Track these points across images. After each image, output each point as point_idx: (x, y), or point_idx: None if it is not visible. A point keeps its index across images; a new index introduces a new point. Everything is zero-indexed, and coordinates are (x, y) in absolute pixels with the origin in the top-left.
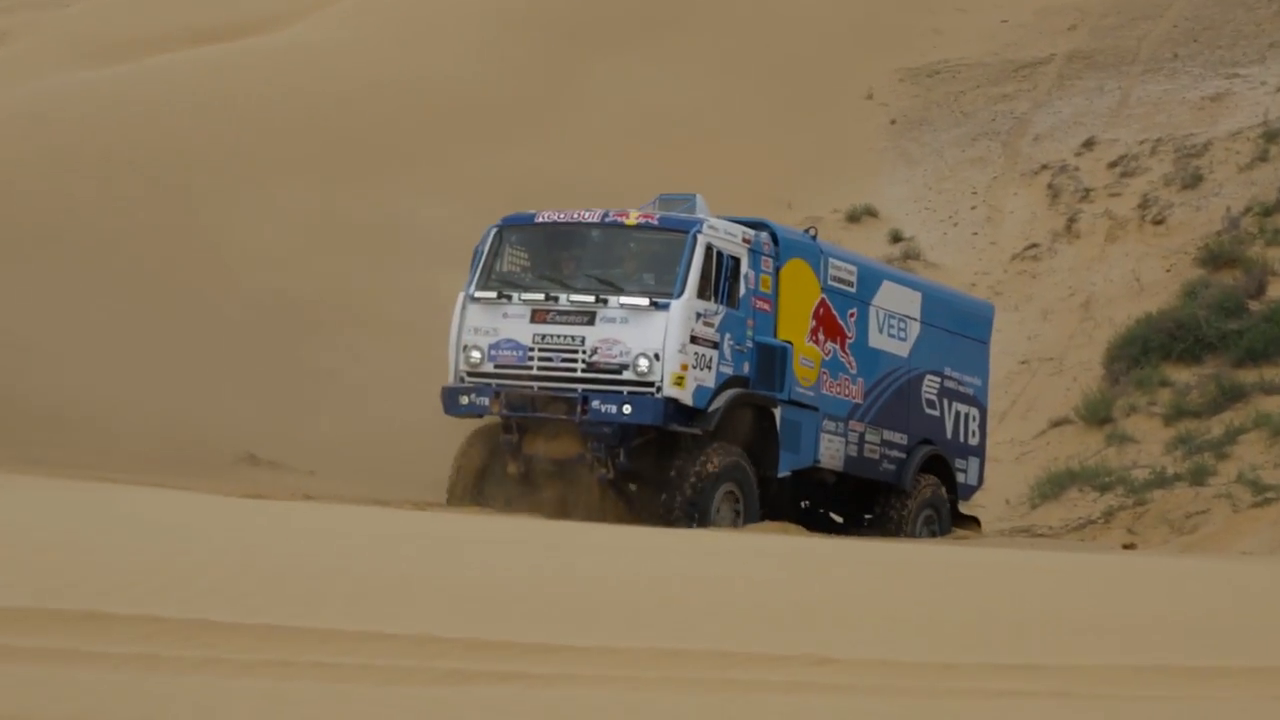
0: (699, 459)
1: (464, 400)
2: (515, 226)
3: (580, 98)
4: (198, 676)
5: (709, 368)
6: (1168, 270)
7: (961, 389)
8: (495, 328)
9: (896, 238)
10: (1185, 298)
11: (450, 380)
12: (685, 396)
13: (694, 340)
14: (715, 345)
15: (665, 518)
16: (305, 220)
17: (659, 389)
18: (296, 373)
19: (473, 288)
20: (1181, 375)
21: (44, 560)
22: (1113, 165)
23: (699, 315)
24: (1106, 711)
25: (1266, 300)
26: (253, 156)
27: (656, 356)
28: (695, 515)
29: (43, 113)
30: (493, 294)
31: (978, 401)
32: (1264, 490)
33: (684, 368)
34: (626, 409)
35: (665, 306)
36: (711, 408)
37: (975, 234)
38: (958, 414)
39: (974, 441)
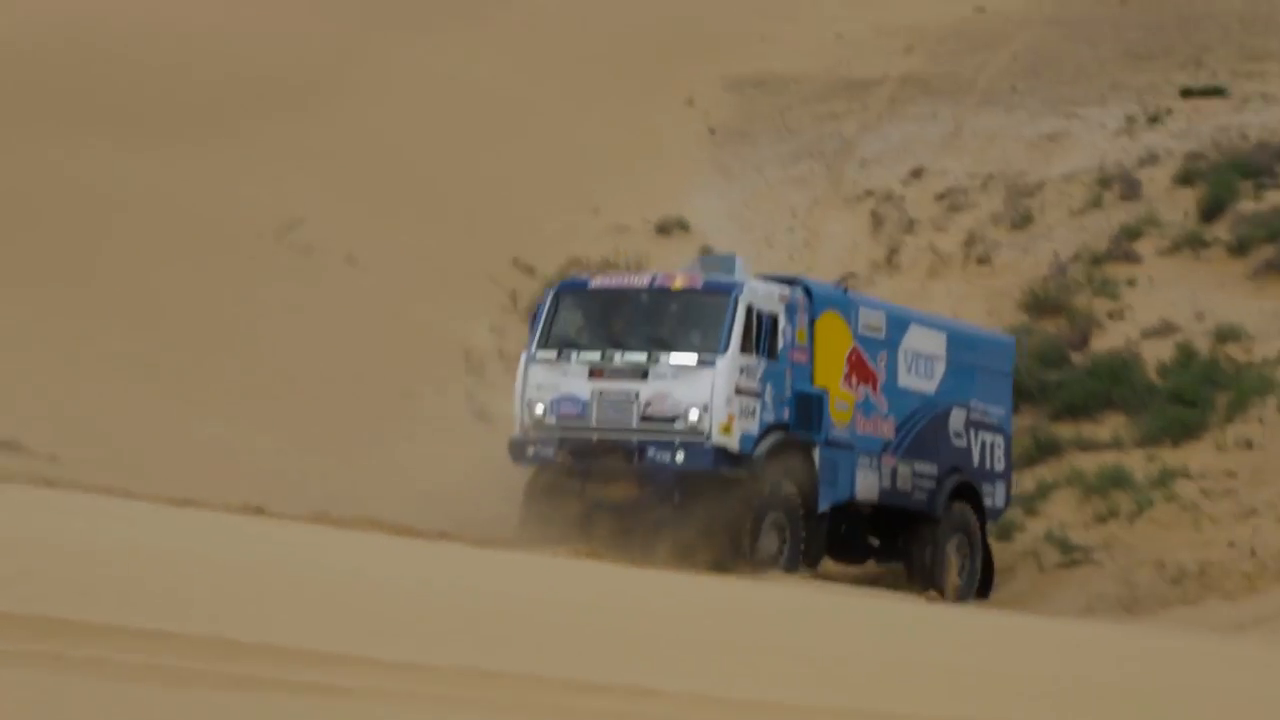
0: (747, 496)
1: (530, 451)
2: (571, 291)
3: (378, 80)
4: (225, 694)
5: (753, 416)
6: (989, 313)
7: (986, 419)
8: (556, 384)
9: (707, 254)
10: None
11: (516, 432)
12: (732, 443)
13: (738, 392)
14: (758, 395)
15: (722, 553)
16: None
17: (709, 437)
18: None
19: (534, 348)
20: None
21: (47, 568)
22: (940, 198)
23: (742, 369)
24: None
25: (1089, 353)
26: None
27: (705, 408)
28: (747, 548)
29: None
30: (553, 354)
31: (1001, 429)
32: (1071, 550)
33: (730, 417)
34: (680, 456)
35: (711, 363)
36: (756, 452)
37: (791, 257)
38: (984, 443)
39: (999, 467)
